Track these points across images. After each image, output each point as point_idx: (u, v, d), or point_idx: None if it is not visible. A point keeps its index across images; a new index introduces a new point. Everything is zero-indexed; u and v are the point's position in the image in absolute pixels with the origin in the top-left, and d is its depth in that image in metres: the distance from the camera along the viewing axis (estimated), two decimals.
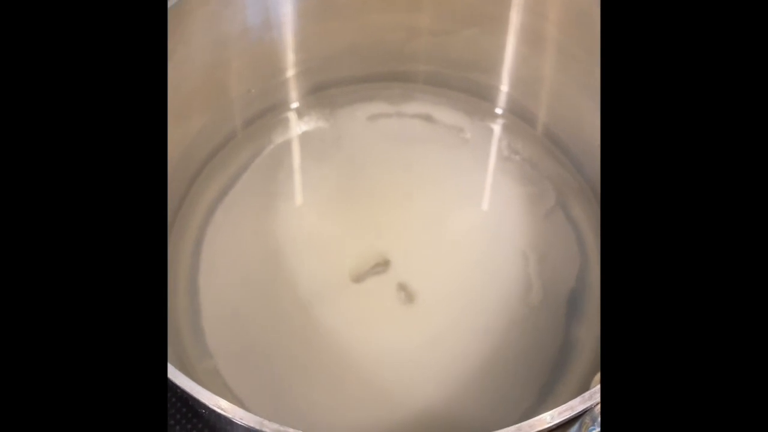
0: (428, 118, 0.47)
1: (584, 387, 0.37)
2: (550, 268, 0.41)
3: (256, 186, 0.44)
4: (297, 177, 0.45)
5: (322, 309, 0.39)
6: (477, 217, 0.43)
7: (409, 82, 0.48)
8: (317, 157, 0.45)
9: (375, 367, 0.38)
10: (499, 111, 0.48)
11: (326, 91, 0.48)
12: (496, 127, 0.47)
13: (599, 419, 0.26)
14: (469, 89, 0.48)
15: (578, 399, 0.26)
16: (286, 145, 0.46)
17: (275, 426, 0.25)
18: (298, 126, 0.47)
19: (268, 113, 0.47)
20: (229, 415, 0.26)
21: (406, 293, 0.40)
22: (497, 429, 0.25)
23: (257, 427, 0.25)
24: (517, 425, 0.25)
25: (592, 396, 0.26)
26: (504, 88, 0.47)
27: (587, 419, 0.26)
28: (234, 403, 0.26)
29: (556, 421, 0.25)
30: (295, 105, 0.48)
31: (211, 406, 0.26)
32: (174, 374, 0.26)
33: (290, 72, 0.46)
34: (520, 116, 0.47)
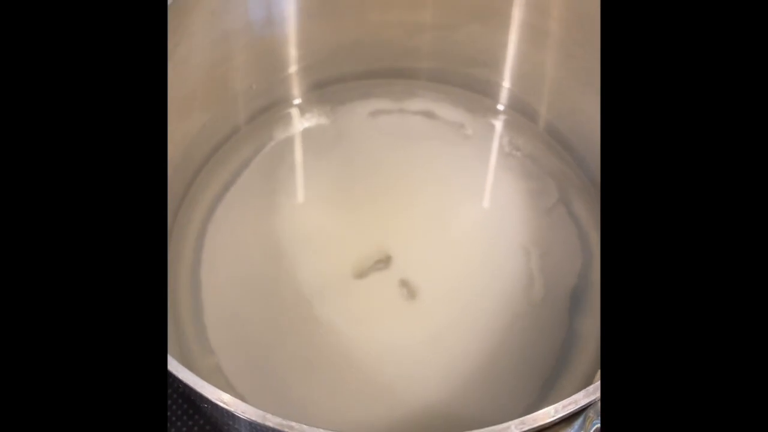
0: (430, 115, 0.47)
1: (587, 382, 0.37)
2: (552, 264, 0.41)
3: (257, 182, 0.44)
4: (299, 173, 0.45)
5: (323, 305, 0.39)
6: (479, 213, 0.43)
7: (411, 79, 0.48)
8: (319, 153, 0.46)
9: (377, 363, 0.38)
10: (500, 107, 0.48)
11: (328, 87, 0.48)
12: (498, 124, 0.47)
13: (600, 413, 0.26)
14: (470, 85, 0.48)
15: (582, 393, 0.26)
16: (288, 142, 0.46)
17: (278, 420, 0.25)
18: (300, 122, 0.47)
19: (270, 110, 0.47)
20: (232, 409, 0.26)
21: (408, 289, 0.40)
22: (500, 423, 0.25)
23: (260, 421, 0.25)
24: (520, 419, 0.25)
25: (596, 390, 0.26)
26: (506, 84, 0.47)
27: (591, 413, 0.26)
28: None
29: (560, 414, 0.25)
30: (297, 101, 0.48)
31: (214, 401, 0.26)
32: (177, 369, 0.26)
33: (292, 68, 0.47)
34: (521, 112, 0.47)
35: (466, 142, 0.46)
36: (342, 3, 0.44)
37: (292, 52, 0.46)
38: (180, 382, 0.27)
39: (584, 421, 0.26)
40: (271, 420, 0.25)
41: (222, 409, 0.26)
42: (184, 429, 0.38)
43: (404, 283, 0.40)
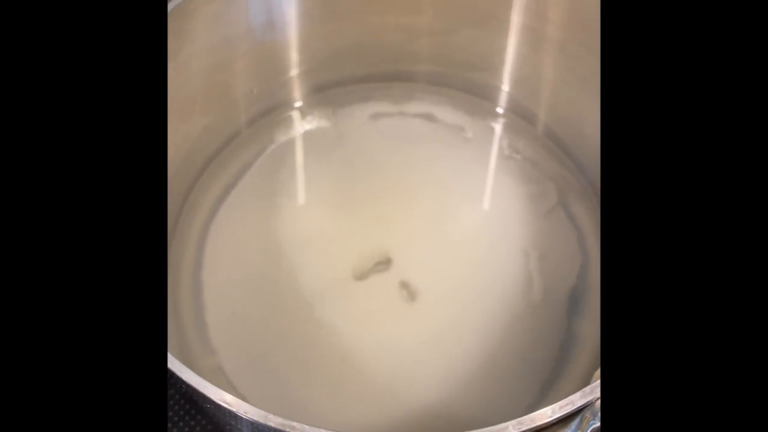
0: (430, 118, 0.47)
1: (585, 383, 0.37)
2: (551, 266, 0.41)
3: (259, 184, 0.44)
4: (299, 176, 0.45)
5: (324, 306, 0.39)
6: (478, 216, 0.44)
7: (411, 82, 0.48)
8: (320, 156, 0.46)
9: (377, 364, 0.38)
10: (500, 110, 0.48)
11: (329, 90, 0.48)
12: (497, 127, 0.47)
13: (600, 413, 0.26)
14: (470, 89, 0.48)
15: (578, 393, 0.26)
16: (289, 145, 0.46)
17: (279, 420, 0.25)
18: (300, 125, 0.47)
19: (271, 113, 0.47)
20: (234, 410, 0.26)
21: (408, 291, 0.40)
22: (498, 424, 0.25)
23: (262, 421, 0.25)
24: (518, 419, 0.25)
25: (593, 390, 0.26)
26: (505, 87, 0.47)
27: (588, 413, 0.26)
28: None
29: (557, 415, 0.26)
30: (298, 104, 0.48)
31: (216, 401, 0.26)
32: (180, 369, 0.27)
33: (293, 72, 0.47)
34: (521, 116, 0.47)
35: (465, 145, 0.46)
36: (342, 7, 0.45)
37: (293, 55, 0.46)
38: (183, 382, 0.27)
39: (581, 421, 0.26)
40: (273, 420, 0.25)
41: (224, 409, 0.26)
42: (186, 429, 0.38)
43: (404, 285, 0.40)
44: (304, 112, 0.48)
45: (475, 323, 0.39)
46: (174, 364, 0.27)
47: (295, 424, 0.25)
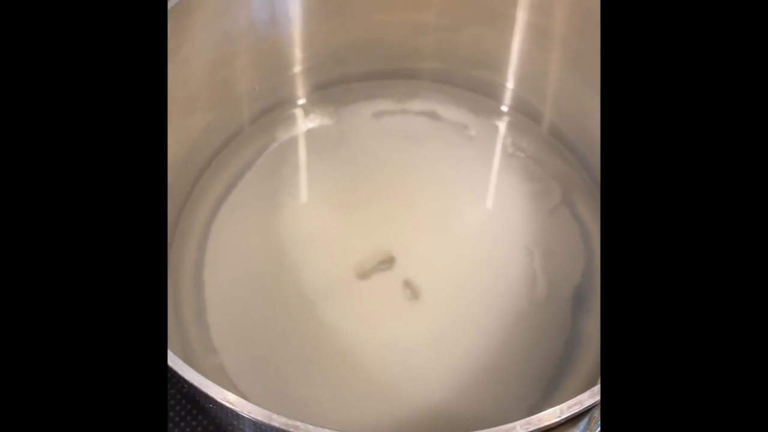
0: (433, 116, 0.47)
1: (590, 382, 0.37)
2: (556, 264, 0.41)
3: (261, 182, 0.44)
4: (302, 174, 0.45)
5: (327, 305, 0.39)
6: (482, 214, 0.44)
7: (415, 80, 0.48)
8: (323, 154, 0.46)
9: (380, 363, 0.38)
10: (504, 108, 0.48)
11: (332, 88, 0.48)
12: (502, 125, 0.47)
13: (599, 414, 0.26)
14: (474, 87, 0.48)
15: (587, 393, 0.26)
16: (292, 142, 0.46)
17: (283, 420, 0.25)
18: (303, 123, 0.47)
19: (273, 110, 0.47)
20: (237, 409, 0.26)
21: (412, 290, 0.40)
22: (503, 424, 0.25)
23: (265, 420, 0.25)
24: (526, 419, 0.25)
25: None
26: (509, 85, 0.47)
27: (596, 413, 0.26)
28: None
29: (566, 415, 0.25)
30: (301, 102, 0.48)
31: (219, 400, 0.26)
32: (182, 369, 0.27)
33: (296, 69, 0.47)
34: (525, 114, 0.47)
35: (469, 143, 0.46)
36: (346, 4, 0.45)
37: (296, 52, 0.46)
38: (185, 381, 0.27)
39: (589, 421, 0.26)
40: (276, 420, 0.25)
41: (227, 408, 0.26)
42: (188, 430, 0.38)
43: (407, 284, 0.40)
44: (306, 110, 0.48)
45: (478, 322, 0.39)
46: (176, 363, 0.27)
47: (299, 423, 0.25)
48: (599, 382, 0.26)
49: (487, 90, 0.48)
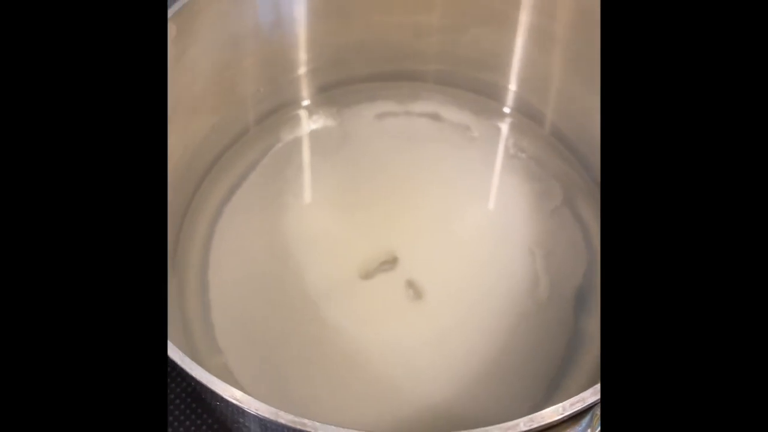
0: (436, 117, 0.47)
1: (592, 382, 0.37)
2: (557, 265, 0.41)
3: (265, 183, 0.45)
4: (306, 174, 0.45)
5: (330, 306, 0.40)
6: (484, 215, 0.44)
7: (417, 81, 0.49)
8: (326, 155, 0.46)
9: (383, 363, 0.38)
10: (506, 110, 0.48)
11: (335, 89, 0.48)
12: (504, 126, 0.47)
13: (599, 413, 0.26)
14: (476, 88, 0.48)
15: (589, 391, 0.26)
16: (296, 143, 0.46)
17: (290, 417, 0.25)
18: (307, 124, 0.47)
19: (277, 111, 0.47)
20: (245, 407, 0.26)
21: (414, 290, 0.40)
22: (506, 422, 0.25)
23: (272, 418, 0.25)
24: (529, 416, 0.25)
25: None
26: (512, 87, 0.47)
27: (598, 411, 0.26)
28: None
29: (568, 412, 0.26)
30: (305, 103, 0.48)
31: (227, 398, 0.26)
32: (191, 367, 0.27)
33: (300, 71, 0.47)
34: (527, 115, 0.47)
35: (471, 145, 0.46)
36: (349, 6, 0.45)
37: (300, 54, 0.46)
38: (192, 379, 0.27)
39: (591, 419, 0.26)
40: (283, 417, 0.25)
41: (234, 406, 0.26)
42: (193, 428, 0.38)
43: (410, 284, 0.40)
44: (310, 111, 0.48)
45: (480, 322, 0.39)
46: (184, 361, 0.27)
47: (306, 421, 0.25)
48: (598, 379, 0.27)
49: (489, 91, 0.48)
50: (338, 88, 0.48)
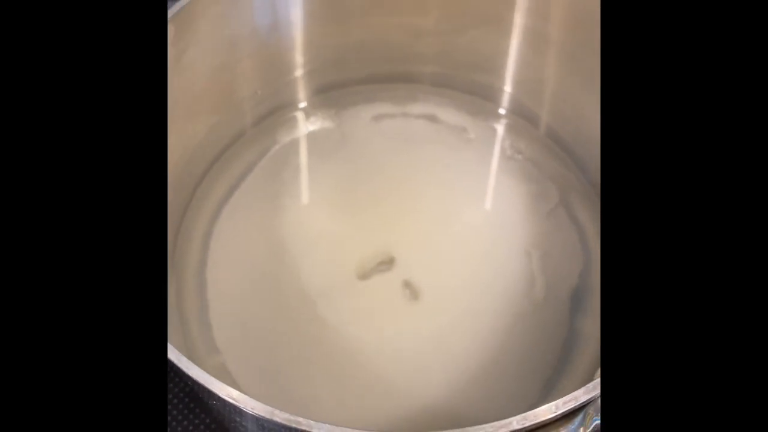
0: (432, 119, 0.48)
1: (587, 382, 0.37)
2: (553, 265, 0.41)
3: (263, 184, 0.45)
4: (303, 176, 0.45)
5: (327, 306, 0.40)
6: (481, 215, 0.44)
7: (414, 83, 0.49)
8: (323, 156, 0.46)
9: (381, 363, 0.38)
10: (502, 111, 0.48)
11: (332, 91, 0.48)
12: (500, 127, 0.48)
13: (600, 412, 0.26)
14: (473, 90, 0.48)
15: (582, 390, 0.26)
16: (293, 145, 0.47)
17: (285, 415, 0.25)
18: (304, 126, 0.48)
19: (275, 113, 0.47)
20: (240, 405, 0.26)
21: (411, 290, 0.40)
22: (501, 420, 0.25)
23: (268, 416, 0.25)
24: (522, 415, 0.25)
25: (596, 387, 0.26)
26: (507, 89, 0.48)
27: (591, 410, 0.26)
28: None
29: (561, 411, 0.26)
30: (302, 105, 0.48)
31: (223, 397, 0.26)
32: (187, 366, 0.27)
33: (297, 73, 0.47)
34: (523, 116, 0.48)
35: (468, 146, 0.46)
36: (346, 8, 0.45)
37: (298, 57, 0.46)
38: (189, 379, 0.27)
39: (584, 417, 0.26)
40: (279, 416, 0.25)
41: (231, 405, 0.26)
42: (191, 427, 0.39)
43: (407, 284, 0.40)
44: (308, 113, 0.48)
45: (477, 322, 0.39)
46: (181, 361, 0.27)
47: (300, 419, 0.25)
48: (593, 379, 0.27)
49: (485, 93, 0.48)
50: (335, 90, 0.48)
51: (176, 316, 0.39)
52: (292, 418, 0.25)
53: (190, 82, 0.40)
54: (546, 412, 0.26)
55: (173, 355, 0.27)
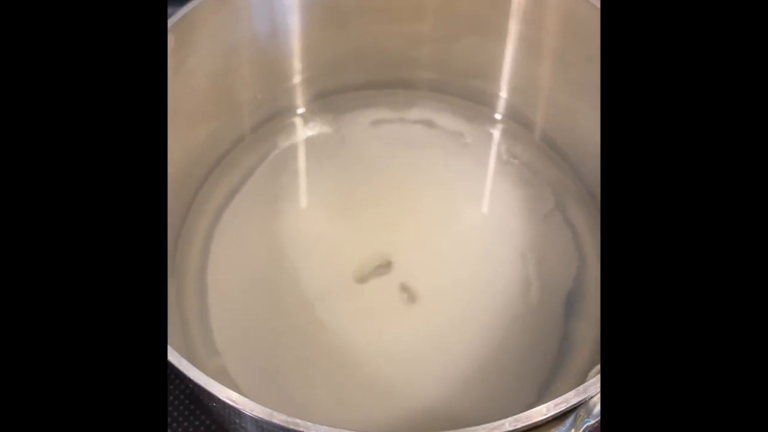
0: (430, 124, 0.48)
1: (581, 384, 0.38)
2: (549, 269, 0.42)
3: (262, 189, 0.45)
4: (302, 180, 0.46)
5: (326, 309, 0.40)
6: (477, 219, 0.44)
7: (411, 89, 0.49)
8: (322, 161, 0.46)
9: (378, 365, 0.38)
10: (498, 117, 0.48)
11: (331, 97, 0.48)
12: (496, 132, 0.48)
13: (593, 412, 0.27)
14: (469, 96, 0.48)
15: (573, 392, 0.26)
16: (292, 150, 0.47)
17: (283, 417, 0.26)
18: (303, 131, 0.48)
19: (274, 119, 0.47)
20: (240, 407, 0.26)
21: (409, 294, 0.40)
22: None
23: (266, 418, 0.26)
24: (514, 416, 0.26)
25: (587, 389, 0.27)
26: (503, 94, 0.48)
27: (582, 412, 0.27)
28: None
29: (552, 413, 0.26)
30: (300, 111, 0.48)
31: (223, 399, 0.26)
32: (187, 369, 0.27)
33: (296, 79, 0.47)
34: (518, 122, 0.48)
35: (465, 150, 0.47)
36: (344, 16, 0.45)
37: (296, 63, 0.46)
38: (190, 381, 0.27)
39: (575, 419, 0.27)
40: (277, 417, 0.25)
41: (230, 407, 0.27)
42: (191, 429, 0.39)
43: (404, 288, 0.41)
44: (306, 119, 0.48)
45: (473, 325, 0.39)
46: (182, 363, 0.27)
47: (298, 421, 0.25)
48: (585, 381, 0.27)
49: (481, 99, 0.48)
50: (334, 96, 0.48)
51: (177, 319, 0.39)
52: (290, 419, 0.26)
53: (191, 89, 0.40)
54: (538, 413, 0.26)
55: (174, 357, 0.27)
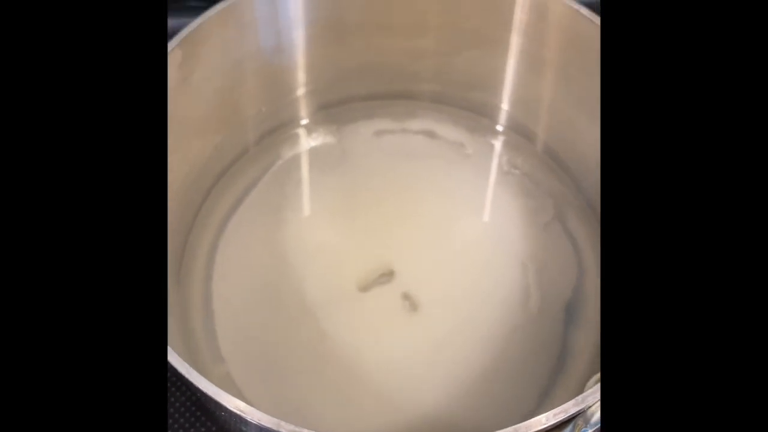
0: (431, 135, 0.48)
1: (580, 392, 0.38)
2: (549, 278, 0.42)
3: (267, 199, 0.45)
4: (305, 190, 0.46)
5: (329, 317, 0.40)
6: (478, 229, 0.44)
7: (413, 100, 0.49)
8: (325, 171, 0.46)
9: (380, 373, 0.38)
10: (499, 128, 0.48)
11: (334, 108, 0.48)
12: (497, 144, 0.48)
13: (591, 421, 0.27)
14: (470, 107, 0.48)
15: (572, 402, 0.27)
16: (295, 160, 0.47)
17: (291, 427, 0.26)
18: (306, 142, 0.48)
19: (278, 130, 0.48)
20: (247, 417, 0.27)
21: (410, 302, 0.41)
22: (496, 431, 0.26)
23: (274, 428, 0.26)
24: (514, 426, 0.26)
25: (585, 399, 0.27)
26: (504, 106, 0.48)
27: (580, 421, 0.27)
28: None
29: (551, 422, 0.26)
30: (304, 122, 0.48)
31: (230, 408, 0.27)
32: (197, 379, 0.27)
33: (300, 91, 0.47)
34: (519, 133, 0.48)
35: (466, 161, 0.47)
36: (347, 30, 0.45)
37: (300, 76, 0.46)
38: (197, 390, 0.28)
39: (573, 428, 0.27)
40: (285, 427, 0.26)
41: (237, 416, 0.27)
42: None
43: (406, 297, 0.41)
44: (310, 129, 0.48)
45: (474, 333, 0.40)
46: (190, 373, 0.28)
47: (305, 430, 0.26)
48: (584, 391, 0.28)
49: (482, 111, 0.48)
50: (337, 107, 0.48)
51: (183, 327, 0.40)
52: (297, 429, 0.26)
53: (197, 102, 0.41)
54: (537, 423, 0.26)
55: (182, 367, 0.28)
